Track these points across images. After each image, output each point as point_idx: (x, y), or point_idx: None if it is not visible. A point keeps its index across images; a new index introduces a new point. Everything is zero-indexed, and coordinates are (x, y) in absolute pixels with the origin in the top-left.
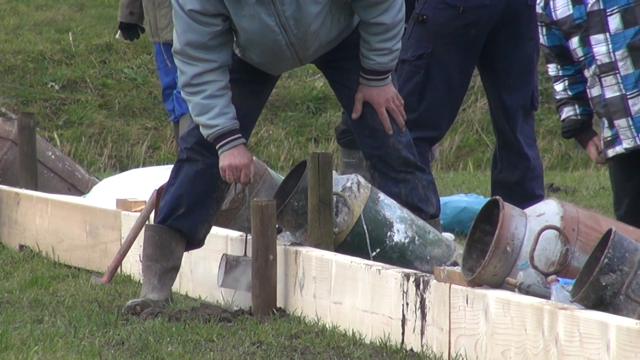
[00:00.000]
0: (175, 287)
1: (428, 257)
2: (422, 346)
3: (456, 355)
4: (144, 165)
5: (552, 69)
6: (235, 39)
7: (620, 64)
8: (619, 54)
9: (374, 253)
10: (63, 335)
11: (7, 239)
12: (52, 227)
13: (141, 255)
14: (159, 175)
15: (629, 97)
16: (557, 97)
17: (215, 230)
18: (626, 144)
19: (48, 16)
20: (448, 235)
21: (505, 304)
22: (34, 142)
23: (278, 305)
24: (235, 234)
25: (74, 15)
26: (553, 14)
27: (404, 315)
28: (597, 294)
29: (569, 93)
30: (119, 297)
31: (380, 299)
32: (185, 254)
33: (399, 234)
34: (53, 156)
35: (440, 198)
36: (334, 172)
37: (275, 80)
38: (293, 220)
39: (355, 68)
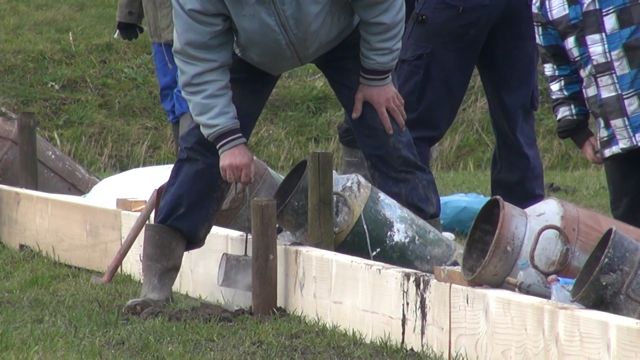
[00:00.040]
0: (175, 286)
1: (428, 257)
2: (422, 346)
3: (456, 355)
4: (144, 165)
5: (548, 68)
6: (235, 38)
7: (616, 64)
8: (614, 54)
9: (374, 253)
10: (63, 334)
11: (7, 239)
12: (52, 227)
13: (141, 255)
14: (159, 175)
15: (625, 97)
16: (553, 97)
17: (215, 229)
18: (622, 144)
19: (48, 16)
20: (448, 235)
21: (506, 303)
22: (34, 141)
23: (278, 304)
24: (235, 233)
25: (74, 15)
26: (549, 13)
27: (404, 315)
28: (597, 293)
29: (565, 93)
30: (119, 296)
31: (381, 299)
32: (185, 253)
33: (399, 234)
34: (53, 156)
35: (441, 198)
36: (334, 171)
37: (275, 80)
38: (293, 220)
39: (356, 68)
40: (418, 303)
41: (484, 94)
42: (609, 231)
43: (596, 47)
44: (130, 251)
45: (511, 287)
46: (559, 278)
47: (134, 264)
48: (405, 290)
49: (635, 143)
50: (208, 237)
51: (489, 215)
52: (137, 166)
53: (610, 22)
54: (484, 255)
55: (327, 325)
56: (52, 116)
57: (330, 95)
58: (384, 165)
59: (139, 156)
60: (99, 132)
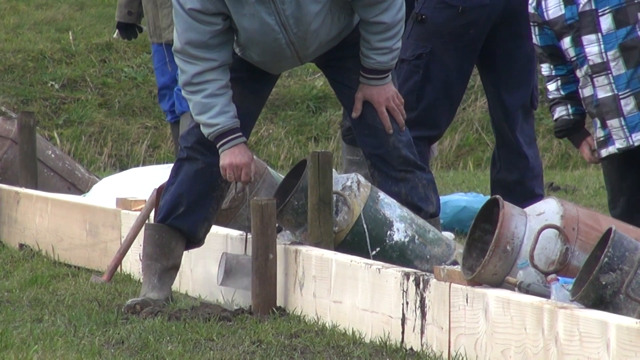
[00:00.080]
0: (175, 286)
1: (428, 256)
2: (422, 345)
3: (456, 354)
4: (143, 164)
5: (545, 68)
6: (235, 38)
7: (612, 64)
8: (611, 54)
9: (374, 252)
10: (63, 334)
11: (7, 238)
12: (52, 226)
13: (141, 254)
14: (159, 174)
15: (621, 97)
16: (550, 96)
17: (215, 229)
18: (619, 144)
19: (48, 15)
20: (448, 234)
21: (505, 303)
22: (34, 141)
23: (278, 304)
24: (235, 233)
25: (74, 15)
26: (545, 14)
27: (403, 314)
28: (597, 293)
29: (562, 93)
30: (119, 296)
31: (380, 298)
32: (185, 253)
33: (399, 233)
34: (53, 155)
35: (440, 197)
36: (334, 171)
37: (275, 79)
38: (293, 219)
39: (356, 67)
40: (418, 302)
41: (483, 94)
42: (609, 230)
43: (592, 47)
44: (129, 250)
45: (511, 286)
46: (559, 277)
47: (133, 264)
48: (404, 290)
49: (631, 143)
50: (208, 236)
51: (489, 215)
52: (137, 165)
53: (606, 22)
54: (483, 254)
55: (327, 324)
56: (52, 115)
57: (330, 94)
58: (384, 165)
59: (138, 155)
60: (99, 131)
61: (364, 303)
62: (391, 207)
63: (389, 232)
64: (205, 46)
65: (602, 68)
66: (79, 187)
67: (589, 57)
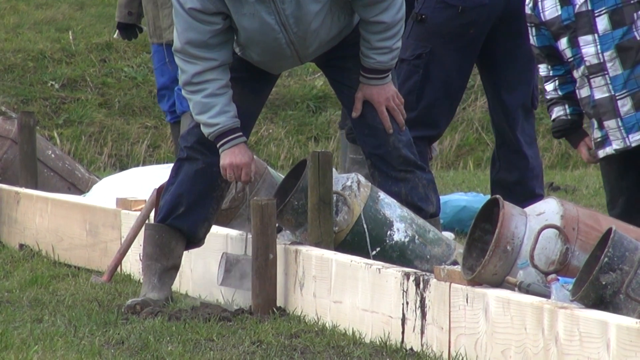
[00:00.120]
0: (175, 286)
1: (428, 256)
2: (422, 345)
3: (456, 355)
4: (144, 164)
5: (542, 69)
6: (235, 37)
7: (609, 64)
8: (607, 54)
9: (374, 252)
10: (63, 334)
11: (7, 238)
12: (52, 226)
13: (141, 254)
14: (159, 174)
15: (618, 98)
16: (548, 97)
17: (215, 229)
18: (616, 145)
19: (48, 15)
20: (448, 234)
21: (505, 303)
22: (34, 141)
23: (278, 304)
24: (235, 232)
25: (74, 14)
26: (542, 14)
27: (404, 314)
28: (597, 293)
29: (559, 93)
30: (119, 296)
31: (380, 298)
32: (185, 253)
33: (399, 233)
34: (53, 155)
35: (440, 197)
36: (334, 170)
37: (275, 79)
38: (293, 219)
39: (356, 67)
40: (418, 302)
41: (483, 93)
42: (609, 230)
43: (589, 48)
44: (130, 250)
45: (511, 286)
46: (559, 277)
47: (133, 264)
48: (405, 290)
49: (628, 144)
50: (208, 236)
51: (489, 215)
52: (137, 165)
53: (602, 23)
54: (483, 254)
55: (327, 324)
56: (52, 115)
57: (330, 94)
58: (384, 165)
59: (138, 155)
60: (99, 131)
61: (364, 303)
62: (391, 207)
63: (389, 232)
64: (205, 46)
65: (599, 69)
66: (79, 187)
67: (585, 58)
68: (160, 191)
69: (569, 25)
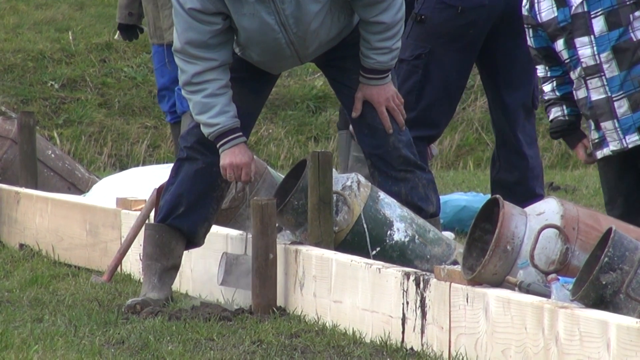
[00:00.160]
0: (175, 286)
1: (428, 256)
2: (422, 345)
3: (456, 354)
4: (143, 164)
5: (540, 70)
6: (235, 37)
7: (605, 66)
8: (603, 56)
9: (374, 252)
10: (63, 334)
11: (7, 238)
12: (52, 226)
13: (141, 254)
14: (159, 174)
15: (614, 99)
16: (546, 97)
17: (215, 229)
18: (613, 146)
19: (48, 15)
20: (448, 234)
21: (506, 302)
22: (34, 141)
23: (278, 304)
24: (235, 232)
25: (74, 14)
26: (538, 16)
27: (404, 314)
28: (597, 292)
29: (557, 94)
30: (119, 296)
31: (381, 298)
32: (185, 252)
33: (399, 233)
34: (53, 155)
35: (440, 197)
36: (334, 170)
37: (275, 79)
38: (293, 219)
39: (355, 67)
40: (418, 302)
41: (483, 93)
42: (609, 230)
43: (585, 49)
44: (130, 250)
45: (511, 286)
46: (559, 277)
47: (133, 263)
48: (405, 290)
49: (625, 145)
50: (208, 236)
51: (489, 214)
52: (137, 165)
53: (598, 24)
54: (483, 254)
55: (327, 324)
56: (52, 115)
57: (330, 94)
58: (384, 165)
59: (138, 155)
60: (99, 131)
61: (364, 303)
62: (391, 207)
63: (389, 232)
64: (205, 46)
65: (596, 70)
66: (79, 187)
67: (582, 60)
68: (160, 191)
69: (565, 27)
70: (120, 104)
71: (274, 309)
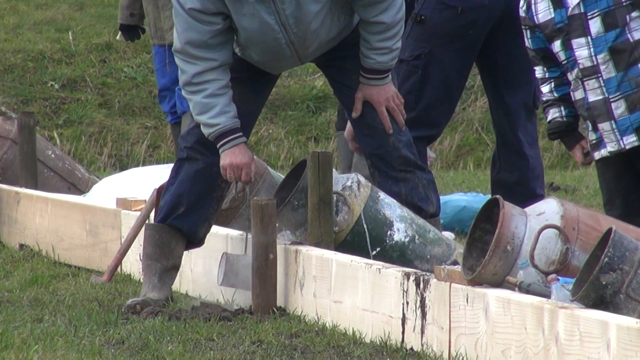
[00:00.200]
0: (175, 286)
1: (428, 256)
2: (422, 345)
3: (456, 354)
4: (144, 164)
5: (538, 71)
6: (235, 37)
7: (602, 67)
8: (600, 57)
9: (374, 252)
10: (63, 334)
11: (7, 238)
12: (52, 226)
13: (141, 254)
14: (159, 174)
15: (611, 100)
16: (544, 98)
17: (215, 229)
18: (610, 147)
19: (48, 15)
20: (448, 234)
21: (506, 303)
22: (34, 141)
23: (278, 304)
24: (235, 232)
25: (74, 15)
26: (535, 17)
27: (404, 314)
28: (597, 292)
29: (555, 95)
30: (119, 296)
31: (381, 298)
32: (185, 253)
33: (399, 233)
34: (53, 155)
35: (440, 197)
36: (334, 171)
37: (275, 79)
38: (293, 219)
39: (355, 67)
40: (418, 302)
41: (484, 93)
42: (609, 230)
43: (582, 50)
44: (130, 250)
45: (511, 286)
46: (559, 277)
47: (133, 264)
48: (405, 290)
49: (622, 146)
50: (208, 236)
51: (489, 215)
52: (137, 165)
53: (595, 25)
54: (484, 254)
55: (327, 324)
56: (52, 115)
57: (330, 94)
58: (384, 165)
59: (138, 155)
60: (99, 131)
61: (364, 303)
62: (391, 207)
63: (389, 232)
64: (205, 46)
65: (593, 71)
66: (79, 187)
67: (579, 61)
68: (160, 191)
69: (562, 28)
70: (120, 104)
71: (274, 309)
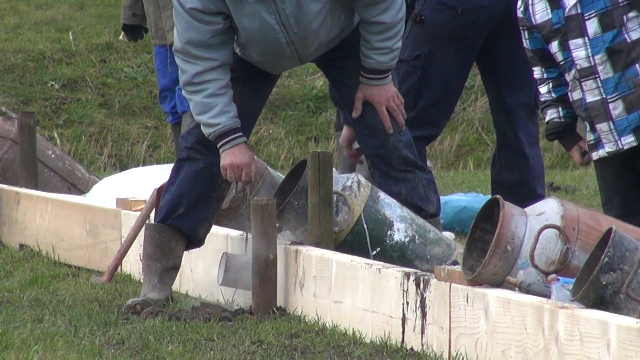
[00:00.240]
0: (175, 286)
1: (428, 256)
2: (422, 345)
3: (456, 354)
4: (144, 164)
5: (536, 71)
6: (235, 37)
7: (599, 68)
8: (598, 58)
9: (374, 252)
10: (63, 334)
11: (7, 238)
12: (52, 226)
13: (141, 255)
14: (159, 174)
15: (609, 101)
16: (542, 99)
17: (215, 229)
18: (608, 148)
19: (48, 15)
20: (448, 234)
21: (506, 303)
22: (34, 141)
23: (278, 304)
24: (235, 233)
25: (74, 15)
26: (532, 18)
27: (404, 314)
28: (597, 292)
29: (553, 95)
30: (119, 296)
31: (381, 298)
32: (185, 253)
33: (399, 233)
34: (53, 155)
35: (441, 197)
36: (334, 171)
37: (275, 79)
38: (293, 219)
39: (356, 67)
40: (418, 302)
41: (484, 93)
42: (609, 230)
43: (579, 51)
44: (130, 250)
45: (511, 286)
46: (559, 277)
47: (133, 264)
48: (405, 290)
49: (620, 147)
50: (208, 236)
51: (489, 215)
52: (137, 165)
53: (592, 26)
54: (484, 254)
55: (327, 324)
56: (52, 115)
57: None
58: (384, 165)
59: (138, 155)
60: (99, 131)
61: (364, 303)
62: (391, 207)
63: (389, 232)
64: (205, 46)
65: (590, 72)
66: (79, 187)
67: (576, 62)
68: (160, 191)
69: (560, 29)
70: (120, 104)
71: (274, 309)
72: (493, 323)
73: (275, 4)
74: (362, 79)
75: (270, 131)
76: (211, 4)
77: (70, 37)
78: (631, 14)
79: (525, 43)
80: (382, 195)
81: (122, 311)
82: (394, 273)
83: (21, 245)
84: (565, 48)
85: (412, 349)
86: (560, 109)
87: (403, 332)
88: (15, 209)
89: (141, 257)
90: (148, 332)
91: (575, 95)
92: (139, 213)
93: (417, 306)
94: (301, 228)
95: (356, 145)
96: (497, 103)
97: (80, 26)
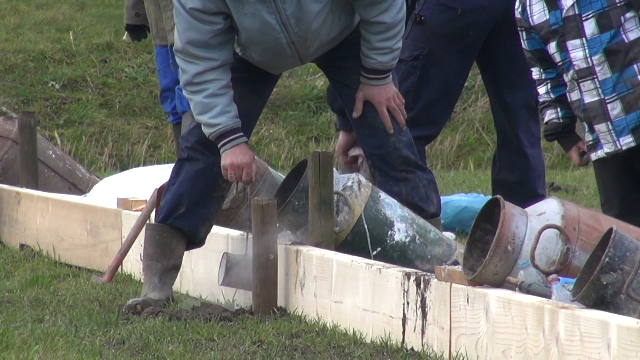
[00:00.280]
0: (176, 286)
1: (429, 256)
2: (422, 345)
3: (457, 355)
4: (144, 164)
5: (535, 72)
6: (236, 37)
7: (597, 68)
8: (595, 58)
9: (375, 252)
10: (64, 334)
11: (7, 238)
12: (52, 226)
13: (142, 255)
14: (160, 174)
15: (607, 101)
16: (541, 99)
17: (215, 229)
18: (607, 148)
19: (49, 15)
20: (449, 235)
21: (506, 303)
22: (35, 141)
23: (279, 304)
24: (236, 233)
25: (75, 15)
26: (530, 19)
27: (404, 315)
28: (597, 293)
29: (552, 96)
30: (120, 296)
31: (381, 298)
32: (186, 253)
33: (400, 233)
34: (54, 155)
35: (441, 197)
36: (334, 171)
37: (276, 79)
38: (294, 220)
39: (356, 67)
40: (418, 302)
41: (484, 93)
42: (610, 230)
43: (577, 52)
44: (130, 251)
45: (512, 286)
46: (560, 277)
47: (134, 264)
48: (405, 290)
49: (619, 147)
50: (208, 236)
51: (490, 215)
52: (138, 165)
53: (590, 27)
54: (484, 254)
55: (328, 324)
56: (53, 115)
57: None
58: (385, 165)
59: (139, 155)
60: (100, 131)
61: (364, 303)
62: (392, 207)
63: (389, 232)
64: (206, 46)
65: (588, 73)
66: (80, 187)
67: (574, 62)
68: (161, 191)
69: (557, 30)
70: (121, 104)
71: (275, 309)
72: (493, 323)
73: (276, 4)
74: (362, 79)
75: (271, 131)
76: (212, 4)
77: (71, 37)
78: (629, 15)
79: (524, 44)
80: (383, 195)
81: (122, 311)
82: (394, 273)
83: (22, 245)
84: (563, 49)
85: (412, 349)
86: (558, 109)
87: (403, 332)
88: (16, 209)
89: (142, 257)
90: (148, 332)
91: (574, 96)
92: (139, 213)
93: (418, 306)
94: (302, 228)
95: (352, 152)
96: (498, 103)
97: (80, 26)
